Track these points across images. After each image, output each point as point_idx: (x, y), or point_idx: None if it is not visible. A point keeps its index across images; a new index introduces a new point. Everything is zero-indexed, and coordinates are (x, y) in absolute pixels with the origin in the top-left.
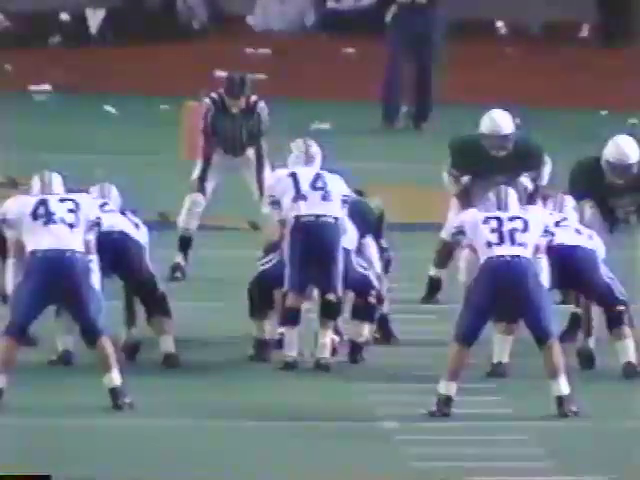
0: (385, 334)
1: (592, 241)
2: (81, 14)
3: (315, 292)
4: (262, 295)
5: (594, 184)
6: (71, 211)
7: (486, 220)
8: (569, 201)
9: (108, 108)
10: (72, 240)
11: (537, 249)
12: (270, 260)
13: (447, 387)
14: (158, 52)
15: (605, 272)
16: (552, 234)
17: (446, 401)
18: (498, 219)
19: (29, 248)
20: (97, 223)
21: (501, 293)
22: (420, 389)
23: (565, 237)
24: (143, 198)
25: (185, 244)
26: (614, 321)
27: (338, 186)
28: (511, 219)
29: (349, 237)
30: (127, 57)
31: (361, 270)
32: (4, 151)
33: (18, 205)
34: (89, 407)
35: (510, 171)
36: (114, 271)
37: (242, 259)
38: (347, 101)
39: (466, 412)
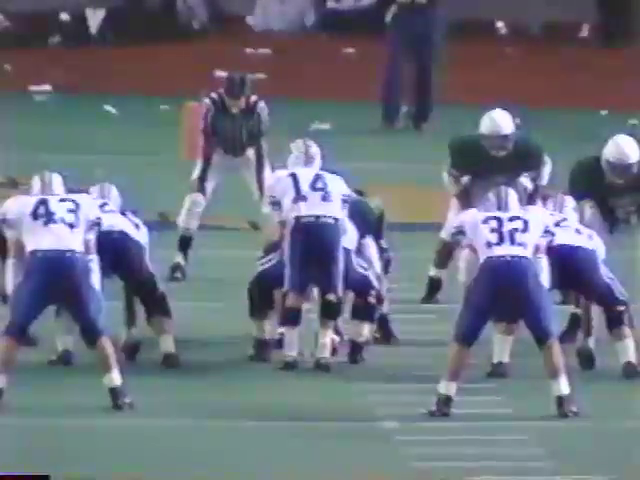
0: (385, 334)
1: (592, 241)
2: (81, 14)
3: (315, 292)
4: (262, 295)
5: (594, 184)
6: (71, 211)
7: (486, 220)
8: (569, 201)
9: (108, 108)
10: (72, 240)
11: (537, 249)
12: (270, 260)
13: (447, 387)
14: (158, 52)
15: (605, 272)
16: (552, 234)
17: (446, 401)
18: (498, 219)
19: (29, 248)
20: (97, 223)
21: (501, 293)
22: (420, 389)
23: (565, 237)
24: (143, 198)
25: (185, 244)
26: (614, 321)
27: (338, 186)
28: (511, 219)
29: (349, 237)
30: (127, 57)
31: (361, 270)
32: (4, 151)
33: (18, 205)
34: (89, 407)
35: (510, 171)
36: (114, 271)
37: (242, 259)
38: (347, 101)
39: (466, 412)
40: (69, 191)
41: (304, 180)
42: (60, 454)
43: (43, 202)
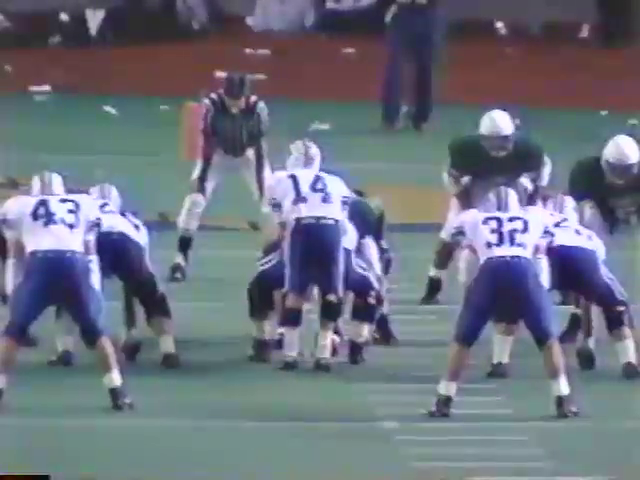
0: (385, 334)
1: (592, 242)
2: (81, 14)
3: (316, 293)
4: (262, 295)
5: (594, 184)
6: (71, 212)
7: (486, 220)
8: (569, 202)
9: (108, 108)
10: (72, 241)
11: (537, 250)
12: (270, 260)
13: (447, 387)
14: (158, 52)
15: (605, 273)
16: (552, 235)
17: (446, 401)
18: (498, 220)
19: (29, 248)
20: (97, 224)
21: (501, 293)
22: (420, 389)
23: (565, 238)
24: (143, 198)
25: (185, 244)
26: (614, 321)
27: (338, 187)
28: (511, 220)
29: (349, 237)
30: (127, 57)
31: (361, 271)
32: (4, 151)
33: (18, 205)
34: (89, 407)
35: (510, 172)
36: (114, 272)
37: (242, 259)
38: (347, 101)
39: (466, 412)
40: (69, 191)
41: (304, 181)
42: (60, 454)
43: (43, 203)
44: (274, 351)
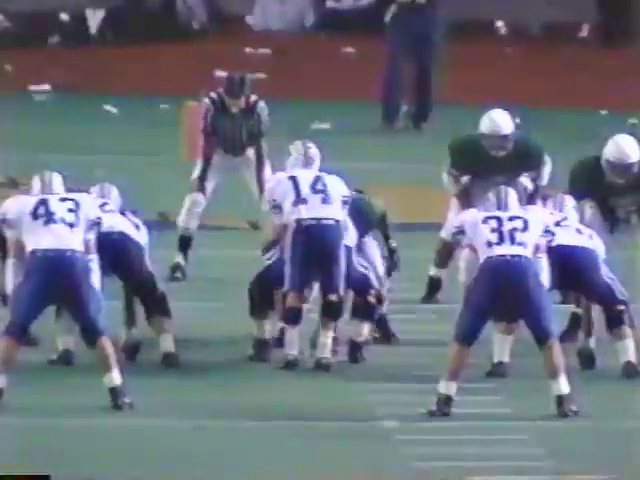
0: (384, 334)
1: (592, 241)
2: (81, 14)
3: (316, 293)
4: (263, 295)
5: (594, 184)
6: (71, 211)
7: (486, 220)
8: (569, 201)
9: (108, 108)
10: (72, 240)
11: (537, 249)
12: (271, 257)
13: (447, 387)
14: (158, 52)
15: (605, 272)
16: (552, 234)
17: (446, 401)
18: (498, 219)
19: (29, 248)
20: (97, 223)
21: (501, 292)
22: (420, 389)
23: (565, 237)
24: (143, 198)
25: (185, 244)
26: (614, 321)
27: (338, 188)
28: (511, 219)
29: (349, 235)
30: (127, 57)
31: (361, 269)
32: (4, 151)
33: (18, 205)
34: (89, 407)
35: (510, 171)
36: (114, 271)
37: (242, 259)
38: (347, 101)
39: (466, 412)
40: (69, 191)
41: (304, 182)
42: (60, 454)
43: (43, 202)
44: (274, 350)
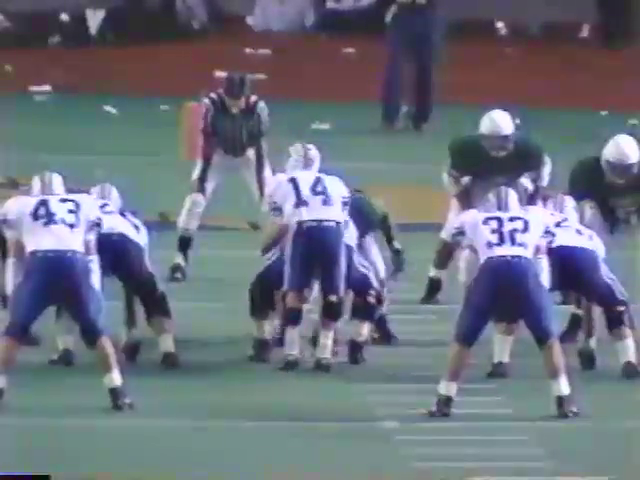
0: (384, 334)
1: (592, 242)
2: (81, 14)
3: (316, 293)
4: (263, 295)
5: (594, 184)
6: (71, 211)
7: (486, 220)
8: (569, 201)
9: (108, 108)
10: (72, 240)
11: (537, 250)
12: (273, 255)
13: (447, 387)
14: (158, 52)
15: (605, 272)
16: (552, 234)
17: (446, 401)
18: (498, 219)
19: (29, 248)
20: (97, 223)
21: (501, 293)
22: (420, 389)
23: (566, 238)
24: (143, 199)
25: (185, 244)
26: (614, 321)
27: (338, 189)
28: (511, 219)
29: (350, 234)
30: (127, 57)
31: (362, 269)
32: (4, 151)
33: (18, 205)
34: (89, 407)
35: (510, 172)
36: (113, 273)
37: (242, 259)
38: (347, 101)
39: (466, 412)
40: (69, 191)
41: (304, 184)
42: (60, 454)
43: (43, 202)
44: (274, 350)
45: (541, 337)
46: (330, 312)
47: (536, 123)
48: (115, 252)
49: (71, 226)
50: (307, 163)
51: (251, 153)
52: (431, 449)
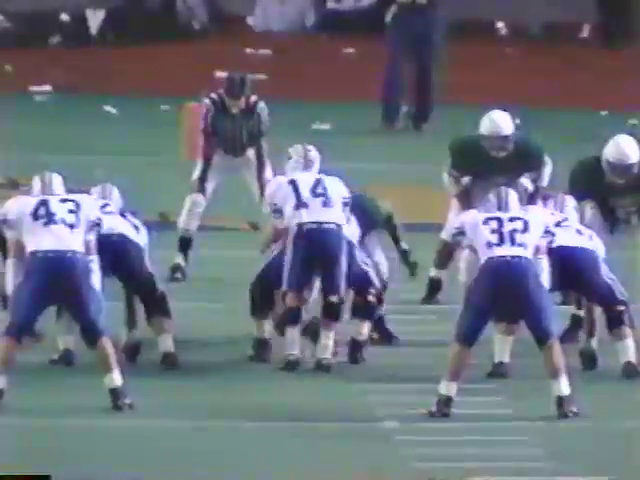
0: (383, 334)
1: (592, 242)
2: (81, 14)
3: (316, 294)
4: (263, 295)
5: (594, 184)
6: (72, 212)
7: (486, 221)
8: (569, 201)
9: (108, 108)
10: (73, 241)
11: (538, 250)
12: (272, 251)
13: (448, 387)
14: (158, 52)
15: (605, 272)
16: (553, 235)
17: (446, 401)
18: (498, 220)
19: (29, 249)
20: (98, 224)
21: (501, 293)
22: (420, 389)
23: (566, 238)
24: (144, 199)
25: (185, 244)
26: (614, 321)
27: (338, 190)
28: (511, 220)
29: (351, 231)
30: (127, 57)
31: (364, 267)
32: (4, 151)
33: (19, 206)
34: (89, 407)
35: (510, 172)
36: (113, 273)
37: (242, 259)
38: (347, 101)
39: (466, 412)
40: (69, 192)
41: (304, 186)
42: (60, 454)
43: (44, 203)
44: (274, 350)
45: (541, 337)
46: (331, 312)
47: (536, 123)
48: (115, 252)
49: (71, 226)
50: (307, 164)
51: (251, 153)
52: (431, 449)
